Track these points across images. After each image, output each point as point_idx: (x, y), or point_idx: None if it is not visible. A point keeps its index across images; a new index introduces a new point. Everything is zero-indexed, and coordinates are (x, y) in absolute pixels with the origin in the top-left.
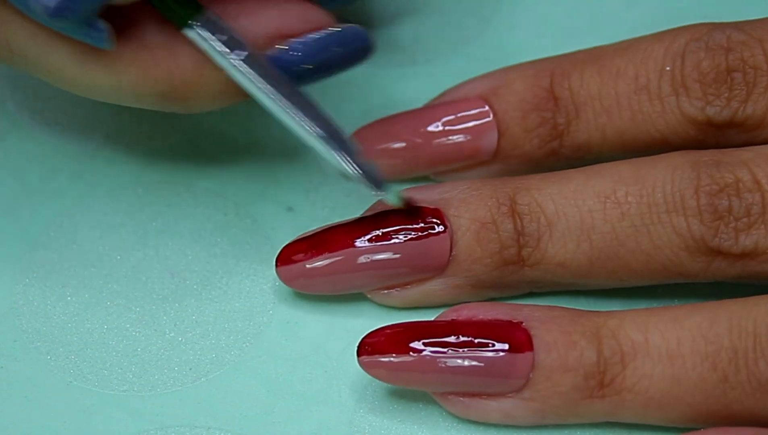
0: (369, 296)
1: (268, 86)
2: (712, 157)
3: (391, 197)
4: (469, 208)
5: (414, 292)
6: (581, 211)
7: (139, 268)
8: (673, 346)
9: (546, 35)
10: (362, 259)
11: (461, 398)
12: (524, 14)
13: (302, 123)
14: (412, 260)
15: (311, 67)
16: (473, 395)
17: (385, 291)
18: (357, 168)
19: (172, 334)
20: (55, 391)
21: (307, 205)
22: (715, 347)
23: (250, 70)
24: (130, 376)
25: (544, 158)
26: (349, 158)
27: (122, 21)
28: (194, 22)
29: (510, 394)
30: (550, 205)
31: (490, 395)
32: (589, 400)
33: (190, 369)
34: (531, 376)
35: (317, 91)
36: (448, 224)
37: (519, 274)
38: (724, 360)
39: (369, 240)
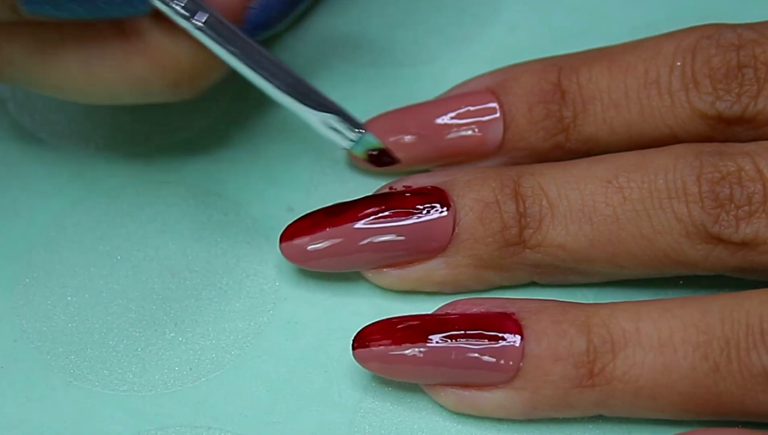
0: (368, 276)
1: (233, 47)
2: (715, 148)
3: (371, 139)
4: (473, 190)
5: (414, 272)
6: (583, 195)
7: (139, 268)
8: (664, 336)
9: (546, 35)
10: (364, 241)
11: (454, 390)
12: (524, 14)
13: (272, 80)
14: (415, 240)
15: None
16: (465, 387)
17: (385, 270)
18: (334, 110)
19: (172, 334)
20: (55, 391)
21: (307, 205)
22: (707, 337)
23: (212, 34)
24: (130, 376)
25: (549, 151)
26: (323, 103)
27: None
28: None
29: (501, 385)
30: (552, 188)
31: (482, 386)
32: (580, 389)
33: (190, 369)
34: (521, 365)
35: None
36: (451, 204)
37: (520, 256)
38: (715, 350)
39: (372, 221)
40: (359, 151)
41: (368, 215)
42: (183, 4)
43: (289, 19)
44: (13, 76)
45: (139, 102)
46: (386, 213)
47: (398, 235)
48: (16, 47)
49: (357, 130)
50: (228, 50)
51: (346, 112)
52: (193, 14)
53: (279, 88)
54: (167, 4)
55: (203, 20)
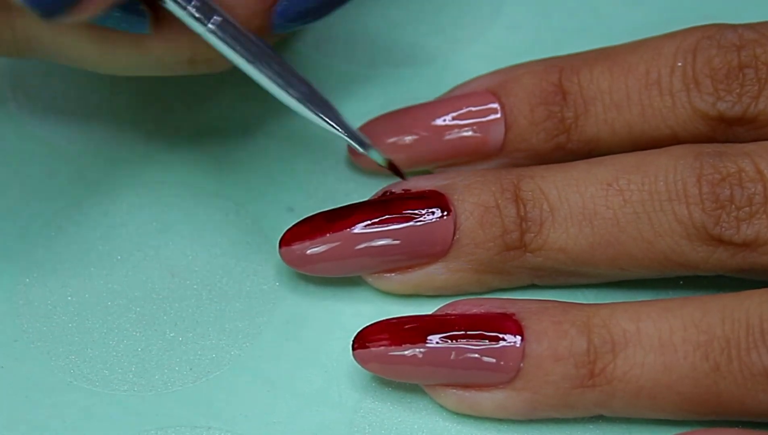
0: (369, 281)
1: (246, 52)
2: (715, 149)
3: (376, 155)
4: (473, 193)
5: (415, 276)
6: (583, 198)
7: (139, 268)
8: (665, 335)
9: (546, 35)
10: (363, 246)
11: (454, 390)
12: (524, 14)
13: (284, 86)
14: (415, 245)
15: (313, 8)
16: (466, 387)
17: (387, 275)
18: (341, 127)
19: (172, 334)
20: (55, 391)
21: (307, 205)
22: (708, 337)
23: (226, 38)
24: (131, 376)
25: (551, 152)
26: (332, 118)
27: None
28: None
29: (502, 385)
30: (552, 192)
31: (482, 387)
32: (580, 389)
33: (190, 369)
34: (522, 365)
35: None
36: (452, 208)
37: (521, 260)
38: (716, 350)
39: (371, 225)
40: None
41: (367, 219)
42: (198, 6)
43: (323, 15)
44: (31, 49)
45: (157, 75)
46: (385, 217)
47: (397, 240)
48: (31, 24)
49: (364, 148)
50: (239, 54)
51: (353, 129)
52: (205, 17)
53: (291, 95)
54: (180, 6)
55: (217, 24)
